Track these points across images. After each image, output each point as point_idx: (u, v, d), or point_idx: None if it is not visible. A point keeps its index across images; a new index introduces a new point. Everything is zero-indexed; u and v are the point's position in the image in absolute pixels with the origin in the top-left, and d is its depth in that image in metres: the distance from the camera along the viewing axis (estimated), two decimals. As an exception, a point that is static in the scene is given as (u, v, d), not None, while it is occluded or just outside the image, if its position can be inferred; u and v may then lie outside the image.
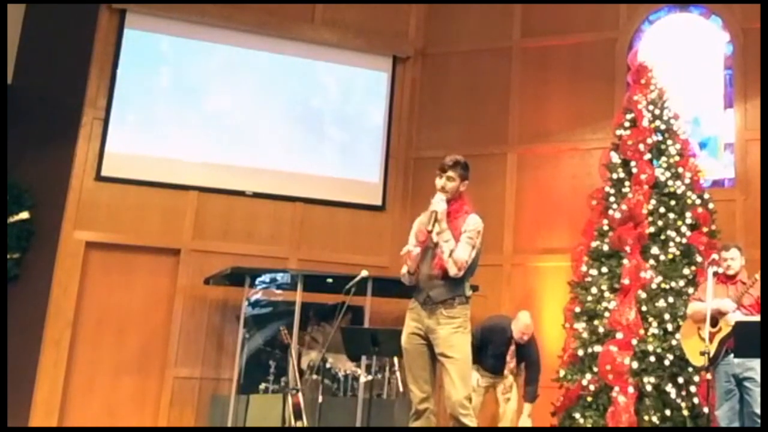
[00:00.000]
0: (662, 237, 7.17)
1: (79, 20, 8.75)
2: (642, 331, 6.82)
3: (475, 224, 4.71)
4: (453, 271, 4.62)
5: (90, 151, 8.51)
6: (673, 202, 7.29)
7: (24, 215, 8.13)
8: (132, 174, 8.60)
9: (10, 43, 8.70)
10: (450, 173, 4.74)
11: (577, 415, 6.97)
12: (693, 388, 6.67)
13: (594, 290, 7.19)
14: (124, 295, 8.42)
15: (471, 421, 4.60)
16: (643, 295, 6.93)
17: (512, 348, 7.17)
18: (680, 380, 6.71)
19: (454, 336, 4.62)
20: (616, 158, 7.63)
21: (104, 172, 8.50)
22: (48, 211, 8.26)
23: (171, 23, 8.97)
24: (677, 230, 7.18)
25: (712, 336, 5.80)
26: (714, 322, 5.83)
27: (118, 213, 8.51)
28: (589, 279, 7.30)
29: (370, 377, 7.27)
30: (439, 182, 4.76)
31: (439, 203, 4.68)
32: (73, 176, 8.40)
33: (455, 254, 4.62)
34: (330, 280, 7.71)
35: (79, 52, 8.66)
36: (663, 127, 7.60)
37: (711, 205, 7.43)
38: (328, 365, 7.79)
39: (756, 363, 5.63)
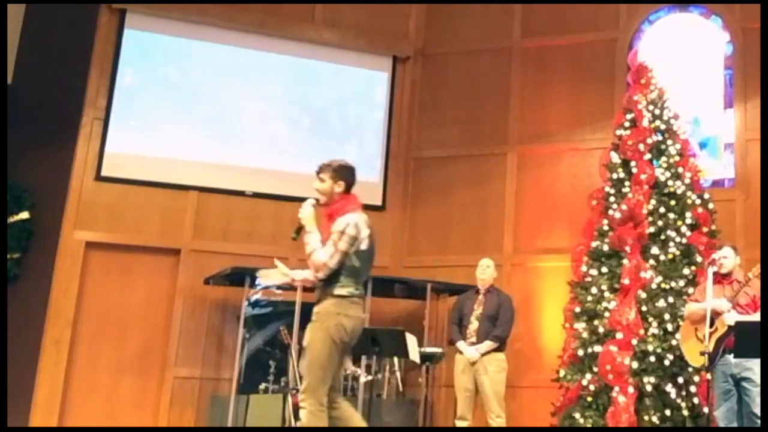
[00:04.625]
0: (662, 237, 7.17)
1: (79, 20, 8.74)
2: (642, 331, 6.81)
3: (340, 225, 4.72)
4: (314, 273, 4.76)
5: (90, 151, 8.50)
6: (673, 202, 7.29)
7: (24, 215, 8.13)
8: (132, 174, 8.59)
9: (10, 43, 8.69)
10: (320, 175, 4.84)
11: (577, 415, 6.97)
12: (693, 388, 6.66)
13: (594, 290, 7.18)
14: (124, 295, 8.42)
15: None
16: (643, 295, 6.92)
17: (479, 297, 7.28)
18: (680, 380, 6.71)
19: (311, 331, 4.76)
20: (616, 158, 7.62)
21: (104, 172, 8.50)
22: (48, 211, 8.26)
23: (171, 23, 8.96)
24: (677, 230, 7.17)
25: (709, 336, 5.79)
26: (711, 322, 5.82)
27: (118, 213, 8.50)
28: (589, 279, 7.30)
29: (370, 377, 7.27)
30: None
31: (302, 209, 4.81)
32: (73, 176, 8.39)
33: (313, 256, 4.71)
34: (330, 280, 7.69)
35: (79, 52, 8.64)
36: (663, 127, 7.59)
37: (711, 205, 7.42)
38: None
39: (753, 363, 5.61)
